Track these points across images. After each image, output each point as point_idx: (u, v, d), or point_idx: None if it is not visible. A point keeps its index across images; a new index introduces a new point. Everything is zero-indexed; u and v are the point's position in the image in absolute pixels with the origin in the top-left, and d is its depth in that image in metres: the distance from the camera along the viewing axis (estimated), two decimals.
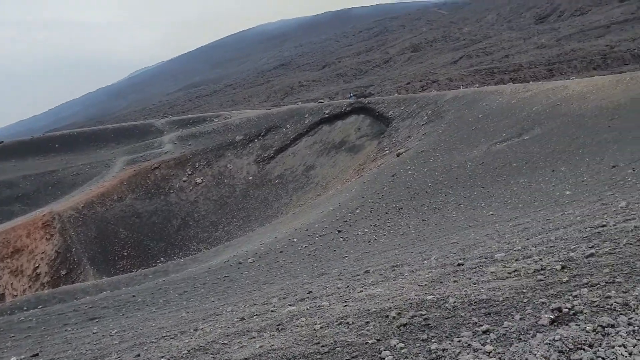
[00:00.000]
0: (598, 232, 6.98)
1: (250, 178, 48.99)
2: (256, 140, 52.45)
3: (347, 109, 49.65)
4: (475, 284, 6.35)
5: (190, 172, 50.17)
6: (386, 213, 20.93)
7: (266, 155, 50.38)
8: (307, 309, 7.25)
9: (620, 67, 58.68)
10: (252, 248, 23.69)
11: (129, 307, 16.11)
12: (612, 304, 4.42)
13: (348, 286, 8.68)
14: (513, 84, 45.09)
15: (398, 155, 33.09)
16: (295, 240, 21.25)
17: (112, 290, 22.50)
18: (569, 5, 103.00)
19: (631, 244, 5.89)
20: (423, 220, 17.84)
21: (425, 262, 9.16)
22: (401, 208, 20.93)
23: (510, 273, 6.35)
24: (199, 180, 49.32)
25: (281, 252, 19.96)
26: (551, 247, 7.13)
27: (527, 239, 8.39)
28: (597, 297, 4.68)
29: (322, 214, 25.45)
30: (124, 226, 43.18)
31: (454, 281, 6.79)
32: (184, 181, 49.31)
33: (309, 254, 17.83)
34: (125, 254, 40.53)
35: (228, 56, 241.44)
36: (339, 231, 20.29)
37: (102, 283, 25.93)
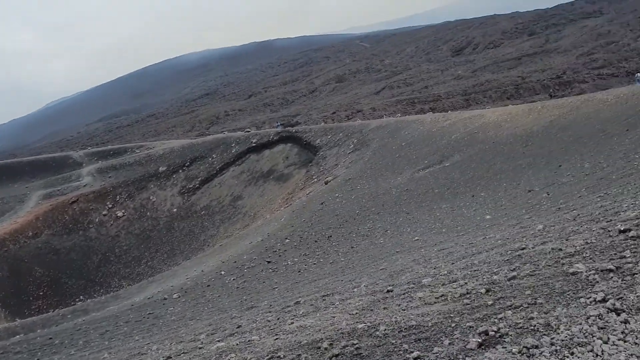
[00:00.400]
0: (518, 255, 7.25)
1: (175, 210, 47.69)
2: (180, 171, 51.30)
3: (275, 138, 49.74)
4: (404, 310, 6.39)
5: (110, 206, 48.19)
6: (316, 241, 20.91)
7: (191, 186, 49.34)
8: (237, 345, 7.02)
9: (531, 96, 62.61)
10: (177, 283, 22.89)
11: (45, 351, 15.04)
12: (535, 325, 4.55)
13: (278, 318, 8.50)
14: (433, 113, 46.91)
15: (326, 183, 33.37)
16: (222, 273, 20.74)
17: (26, 333, 20.96)
18: (482, 39, 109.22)
19: (549, 265, 6.14)
20: (352, 247, 17.95)
21: (356, 289, 9.15)
22: (330, 236, 20.99)
23: (437, 298, 6.44)
24: (120, 214, 47.44)
25: (208, 285, 19.40)
26: (475, 270, 7.32)
27: (452, 264, 8.58)
28: (520, 318, 4.81)
29: (250, 245, 25.07)
30: (39, 264, 40.64)
31: (384, 308, 6.81)
32: (104, 215, 47.26)
33: (237, 287, 17.44)
34: (41, 293, 38.08)
35: (150, 86, 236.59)
36: (268, 262, 20.02)
37: (15, 326, 24.11)
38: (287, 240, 22.68)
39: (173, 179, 50.76)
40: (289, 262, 18.89)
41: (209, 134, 77.41)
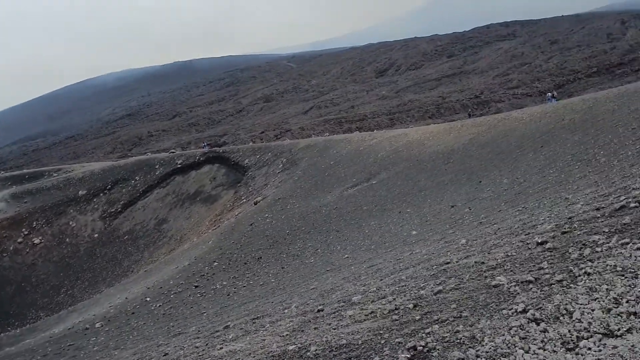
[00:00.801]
0: (444, 269, 7.41)
1: (96, 235, 45.63)
2: (101, 194, 49.26)
3: (201, 159, 48.88)
4: (335, 329, 6.35)
5: (26, 232, 45.44)
6: (245, 263, 20.58)
7: (113, 210, 47.45)
8: None
9: (452, 115, 65.36)
10: (100, 311, 21.79)
11: None
12: (461, 338, 4.63)
13: (207, 344, 8.23)
14: (360, 132, 47.88)
15: (255, 203, 33.05)
16: (148, 299, 19.96)
17: None
18: (404, 61, 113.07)
19: (473, 278, 6.31)
20: (282, 268, 17.79)
21: (286, 311, 9.03)
22: (260, 257, 20.74)
23: (367, 315, 6.45)
24: (37, 241, 44.81)
25: (133, 313, 18.59)
26: (403, 286, 7.41)
27: (381, 280, 8.66)
28: (447, 332, 4.88)
29: (177, 270, 24.32)
30: None
31: (315, 328, 6.74)
32: (20, 242, 44.48)
33: (163, 313, 16.82)
34: None
35: (68, 107, 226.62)
36: (196, 286, 19.48)
37: None
38: (216, 264, 22.19)
39: (94, 203, 48.63)
40: (218, 286, 18.46)
41: (131, 156, 75.07)
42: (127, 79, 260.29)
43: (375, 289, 7.94)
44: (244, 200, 37.46)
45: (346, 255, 15.25)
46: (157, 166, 50.62)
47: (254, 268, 19.44)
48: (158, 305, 18.47)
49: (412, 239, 13.60)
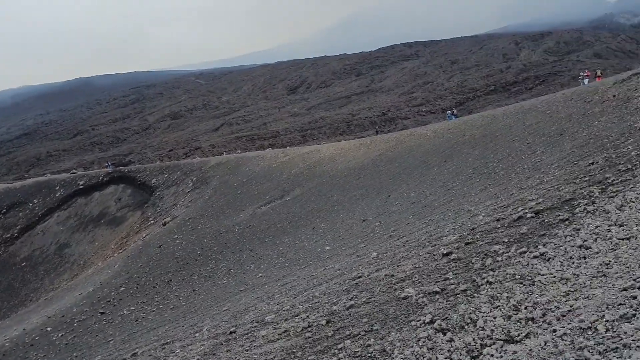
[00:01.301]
0: (355, 284, 7.48)
1: None
2: None
3: (105, 179, 46.72)
4: (247, 350, 6.21)
5: None
6: (154, 287, 19.79)
7: (9, 235, 44.13)
8: None
9: (361, 132, 67.02)
10: None
11: None
12: (372, 352, 4.66)
13: None
14: (272, 149, 47.87)
15: (164, 224, 31.98)
16: (49, 329, 18.63)
17: None
18: (315, 79, 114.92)
19: (383, 291, 6.41)
20: (194, 290, 17.27)
21: (197, 334, 8.73)
22: (170, 280, 20.02)
23: (280, 334, 6.36)
24: None
25: (32, 345, 17.28)
26: (316, 302, 7.39)
27: (295, 297, 8.60)
28: (359, 347, 4.90)
29: (80, 296, 22.94)
30: None
31: (227, 351, 6.56)
32: None
33: (66, 344, 15.76)
34: None
35: None
36: (102, 313, 18.45)
37: None
38: (123, 288, 21.17)
39: None
40: (125, 312, 17.59)
41: (29, 177, 70.34)
42: (23, 96, 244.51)
43: (288, 307, 7.87)
44: (152, 221, 36.15)
45: (260, 274, 15.07)
46: (57, 188, 47.74)
47: (163, 291, 18.73)
48: (60, 335, 17.29)
49: (325, 255, 13.67)
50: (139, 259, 25.83)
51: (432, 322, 4.79)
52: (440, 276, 6.10)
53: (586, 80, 30.40)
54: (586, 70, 37.64)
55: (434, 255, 7.18)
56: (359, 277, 7.88)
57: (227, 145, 73.74)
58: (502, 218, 7.64)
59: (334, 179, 25.85)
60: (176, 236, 27.15)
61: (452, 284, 5.62)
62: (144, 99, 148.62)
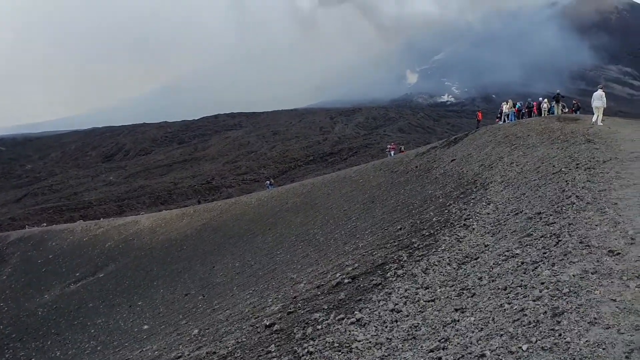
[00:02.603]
0: None
1: None
2: None
3: None
4: None
5: None
6: None
7: None
8: None
9: (184, 201, 65.23)
10: None
11: None
12: None
13: None
14: (84, 221, 44.23)
15: None
16: None
17: None
18: (133, 145, 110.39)
19: None
20: None
21: None
22: None
23: None
24: None
25: None
26: None
27: None
28: None
29: None
30: None
31: None
32: None
33: None
34: None
35: None
36: None
37: None
38: None
39: None
40: None
41: None
42: None
43: None
44: None
45: None
46: None
47: None
48: None
49: (143, 335, 12.68)
50: None
51: None
52: (262, 349, 5.93)
53: (392, 153, 33.47)
54: (392, 143, 41.65)
55: (257, 327, 7.01)
56: (179, 357, 7.37)
57: (30, 217, 66.46)
58: (322, 285, 7.79)
59: (153, 251, 24.61)
60: None
61: (274, 357, 5.48)
62: None
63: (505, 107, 27.79)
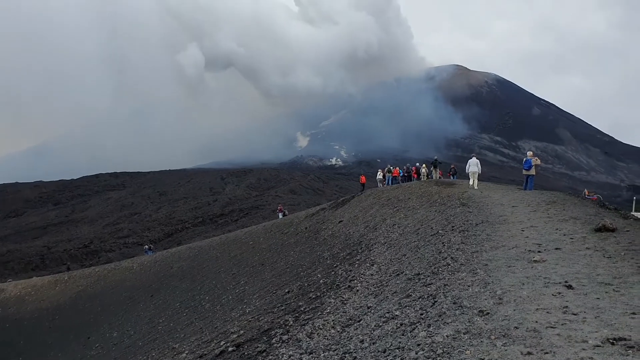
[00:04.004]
0: None
1: None
2: None
3: None
4: None
5: None
6: None
7: None
8: None
9: (59, 266, 60.28)
10: None
11: None
12: None
13: None
14: None
15: None
16: None
17: None
18: (3, 207, 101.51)
19: None
20: None
21: None
22: None
23: None
24: None
25: None
26: None
27: None
28: None
29: None
30: None
31: None
32: None
33: None
34: None
35: None
36: None
37: None
38: None
39: None
40: None
41: None
42: None
43: None
44: None
45: None
46: None
47: None
48: None
49: None
50: None
51: None
52: None
53: (280, 214, 33.42)
54: (280, 205, 41.92)
55: None
56: None
57: None
58: (205, 354, 7.49)
59: (21, 322, 22.38)
60: None
61: None
62: None
63: (380, 174, 29.77)
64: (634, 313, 3.94)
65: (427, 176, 27.52)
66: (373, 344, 4.92)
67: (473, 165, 18.87)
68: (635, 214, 16.88)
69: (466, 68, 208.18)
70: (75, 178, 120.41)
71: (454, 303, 4.95)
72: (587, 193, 27.82)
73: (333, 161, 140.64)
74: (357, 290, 7.54)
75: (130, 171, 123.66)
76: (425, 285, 6.11)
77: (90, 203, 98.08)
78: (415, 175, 28.71)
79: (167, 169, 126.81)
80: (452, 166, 29.40)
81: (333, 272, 9.90)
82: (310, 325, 6.53)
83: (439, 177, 26.55)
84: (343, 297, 7.42)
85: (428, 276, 6.55)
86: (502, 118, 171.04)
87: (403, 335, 4.73)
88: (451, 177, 27.20)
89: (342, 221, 18.08)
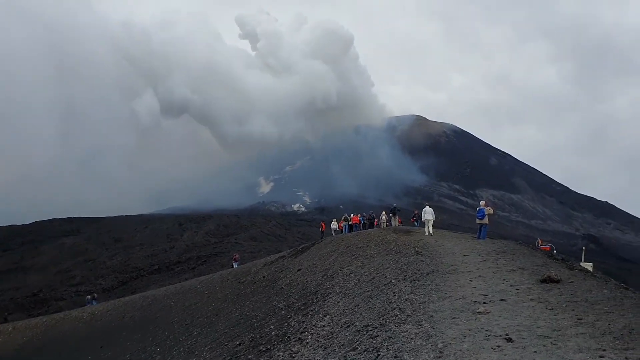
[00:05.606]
0: None
1: None
2: None
3: None
4: None
5: None
6: None
7: None
8: None
9: (4, 316, 57.50)
10: None
11: None
12: None
13: None
14: None
15: None
16: None
17: None
18: None
19: None
20: None
21: None
22: None
23: None
24: None
25: None
26: None
27: None
28: None
29: None
30: None
31: None
32: None
33: None
34: None
35: None
36: None
37: None
38: None
39: None
40: None
41: None
42: None
43: None
44: None
45: None
46: None
47: None
48: None
49: None
50: None
51: None
52: None
53: (235, 264, 31.93)
54: (235, 254, 41.26)
55: None
56: None
57: None
58: None
59: None
60: None
61: None
62: None
63: (334, 224, 30.41)
64: None
65: (387, 223, 27.79)
66: None
67: (428, 214, 20.10)
68: (584, 264, 17.40)
69: (425, 118, 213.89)
70: (26, 223, 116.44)
71: (395, 357, 4.98)
72: (540, 242, 28.51)
73: (295, 207, 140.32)
74: (307, 343, 7.49)
75: (86, 216, 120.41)
76: (372, 338, 6.13)
77: (42, 249, 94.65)
78: (376, 223, 28.98)
79: (124, 214, 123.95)
80: (415, 212, 29.71)
81: (286, 324, 9.80)
82: None
83: (398, 225, 26.85)
84: (292, 350, 7.34)
85: (376, 327, 6.57)
86: (460, 167, 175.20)
87: None
88: (415, 223, 27.49)
89: (300, 269, 17.99)
